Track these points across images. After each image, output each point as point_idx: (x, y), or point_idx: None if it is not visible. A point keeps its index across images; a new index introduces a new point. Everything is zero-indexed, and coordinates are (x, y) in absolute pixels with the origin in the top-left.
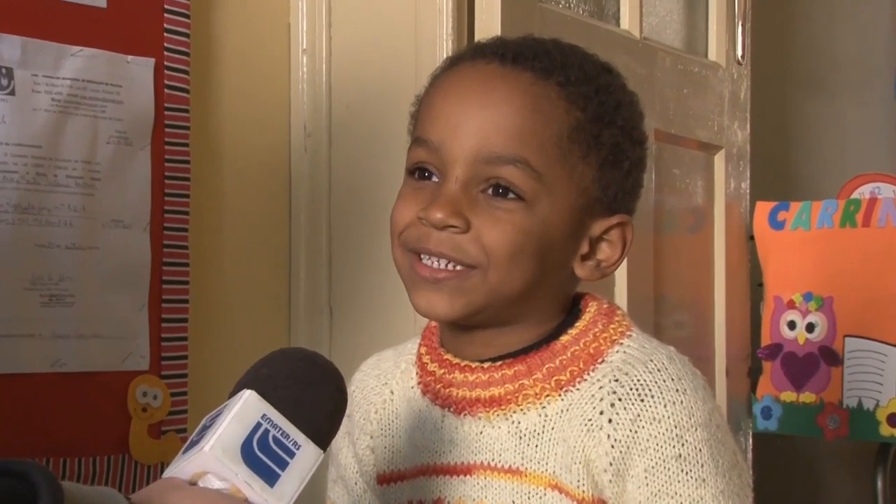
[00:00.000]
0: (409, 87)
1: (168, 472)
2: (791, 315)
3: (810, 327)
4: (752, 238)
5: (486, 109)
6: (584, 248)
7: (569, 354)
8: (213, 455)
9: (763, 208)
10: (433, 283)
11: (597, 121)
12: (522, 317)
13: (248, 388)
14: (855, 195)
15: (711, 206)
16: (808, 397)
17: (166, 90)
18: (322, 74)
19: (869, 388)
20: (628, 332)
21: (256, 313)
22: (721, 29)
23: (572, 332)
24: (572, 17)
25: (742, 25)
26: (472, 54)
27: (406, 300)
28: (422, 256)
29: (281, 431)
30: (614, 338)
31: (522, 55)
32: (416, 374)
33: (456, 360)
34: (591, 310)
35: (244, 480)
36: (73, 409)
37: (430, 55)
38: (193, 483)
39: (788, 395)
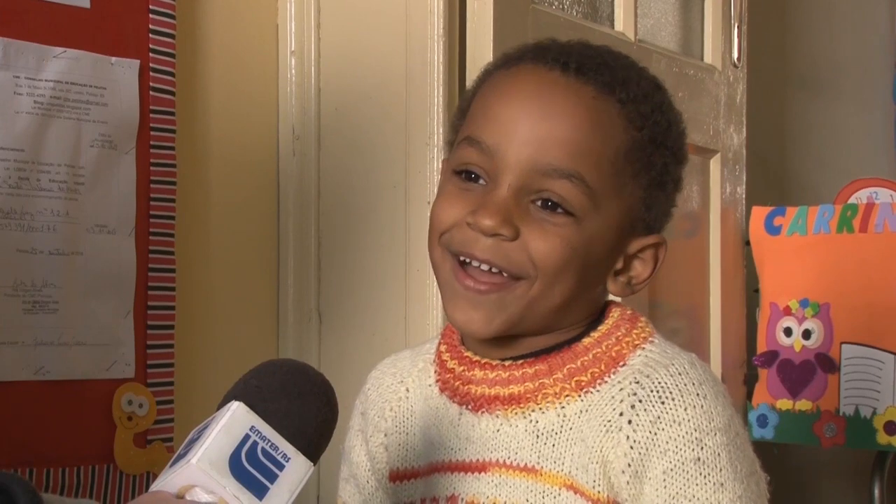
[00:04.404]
0: (400, 90)
1: (155, 486)
2: (787, 322)
3: (807, 334)
4: (747, 243)
5: (546, 120)
6: (619, 265)
7: (590, 356)
8: (201, 468)
9: (759, 213)
10: (475, 294)
11: (651, 142)
12: (552, 328)
13: (237, 399)
14: (852, 200)
15: (707, 211)
16: (804, 405)
17: (151, 92)
18: (311, 76)
19: (866, 395)
20: (651, 338)
21: (244, 319)
22: (717, 31)
23: (595, 334)
24: (566, 19)
25: (738, 27)
26: (532, 57)
27: (395, 305)
28: (464, 262)
29: (270, 444)
30: (636, 342)
31: (585, 66)
32: (435, 371)
33: (476, 358)
34: (614, 315)
35: (232, 493)
36: (57, 418)
37: (421, 57)
38: (181, 497)
39: (784, 403)
